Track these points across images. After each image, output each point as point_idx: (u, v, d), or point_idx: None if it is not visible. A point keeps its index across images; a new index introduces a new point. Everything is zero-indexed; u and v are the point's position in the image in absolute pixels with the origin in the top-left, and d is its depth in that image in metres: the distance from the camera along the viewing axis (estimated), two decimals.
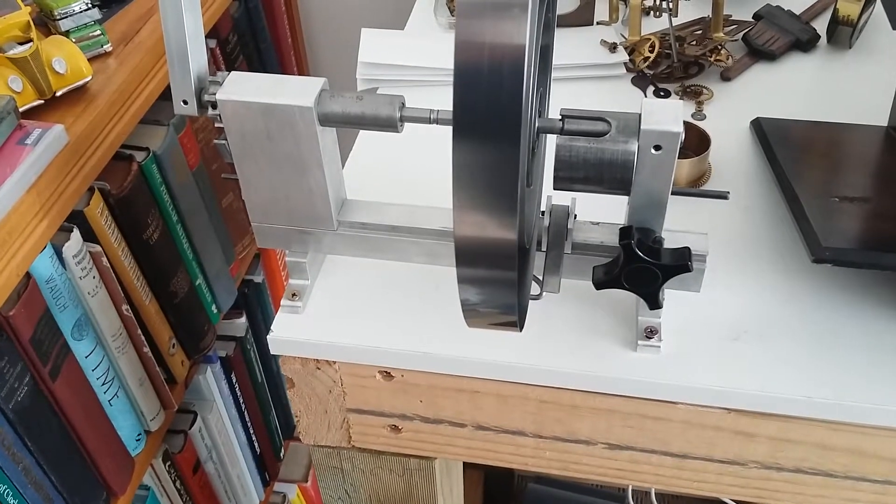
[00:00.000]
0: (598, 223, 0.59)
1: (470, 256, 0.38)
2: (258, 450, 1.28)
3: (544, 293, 0.57)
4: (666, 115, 0.51)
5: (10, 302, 0.69)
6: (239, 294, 1.13)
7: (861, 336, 0.58)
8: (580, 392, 0.59)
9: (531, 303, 0.56)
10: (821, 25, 0.87)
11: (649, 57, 0.83)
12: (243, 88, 0.55)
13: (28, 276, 0.71)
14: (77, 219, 0.77)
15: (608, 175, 0.52)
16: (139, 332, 0.88)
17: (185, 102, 0.56)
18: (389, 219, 0.61)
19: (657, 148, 0.51)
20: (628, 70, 0.85)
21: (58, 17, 0.79)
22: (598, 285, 0.55)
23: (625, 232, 0.54)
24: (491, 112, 0.32)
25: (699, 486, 0.65)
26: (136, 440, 0.91)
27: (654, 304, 0.56)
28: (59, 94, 0.75)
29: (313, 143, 0.55)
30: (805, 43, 0.85)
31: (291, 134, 0.55)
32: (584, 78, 0.84)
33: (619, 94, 0.82)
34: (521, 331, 0.48)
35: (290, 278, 0.63)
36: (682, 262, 0.53)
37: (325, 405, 0.66)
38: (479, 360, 0.59)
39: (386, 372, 0.62)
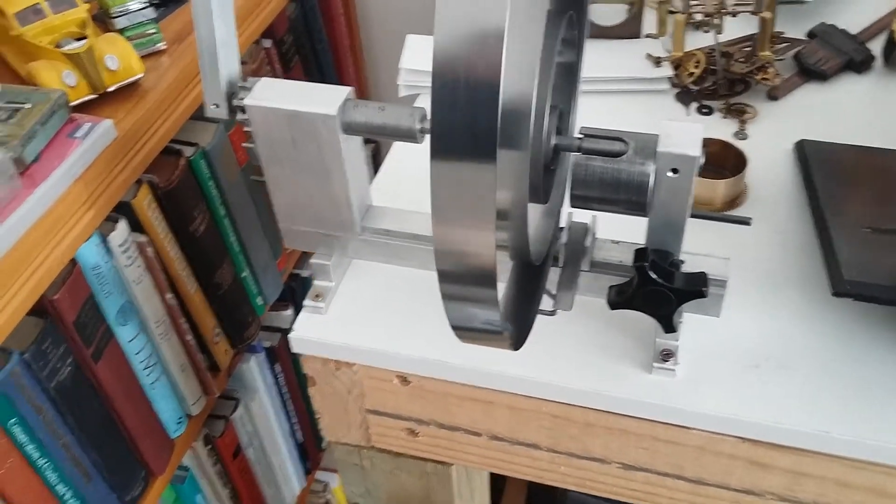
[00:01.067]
0: (618, 242, 0.59)
1: (450, 274, 0.38)
2: (301, 438, 1.31)
3: (558, 311, 0.57)
4: (684, 138, 0.50)
5: (55, 286, 0.72)
6: (286, 287, 1.16)
7: (886, 374, 0.57)
8: (593, 410, 0.59)
9: (548, 318, 0.57)
10: (877, 46, 0.84)
11: (694, 73, 0.82)
12: (271, 95, 0.56)
13: (74, 262, 0.74)
14: (124, 210, 0.80)
15: (624, 196, 0.51)
16: (182, 320, 0.91)
17: (217, 106, 0.58)
18: (412, 227, 0.62)
19: (674, 171, 0.50)
20: (673, 85, 0.84)
21: (114, 15, 0.83)
22: (612, 305, 0.55)
23: (640, 253, 0.53)
24: (467, 138, 0.33)
25: None
26: (177, 423, 0.95)
27: (669, 327, 0.55)
28: (111, 89, 0.78)
29: (336, 151, 0.56)
30: (859, 64, 0.82)
31: (315, 141, 0.56)
32: (627, 92, 0.84)
33: (660, 110, 0.81)
34: (516, 349, 0.49)
35: (315, 279, 0.65)
36: (696, 288, 0.52)
37: (344, 404, 0.68)
38: (492, 371, 0.60)
39: (403, 377, 0.63)
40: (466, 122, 0.32)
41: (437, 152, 0.33)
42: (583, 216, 0.58)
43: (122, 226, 0.79)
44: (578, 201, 0.53)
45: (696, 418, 0.57)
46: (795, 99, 0.82)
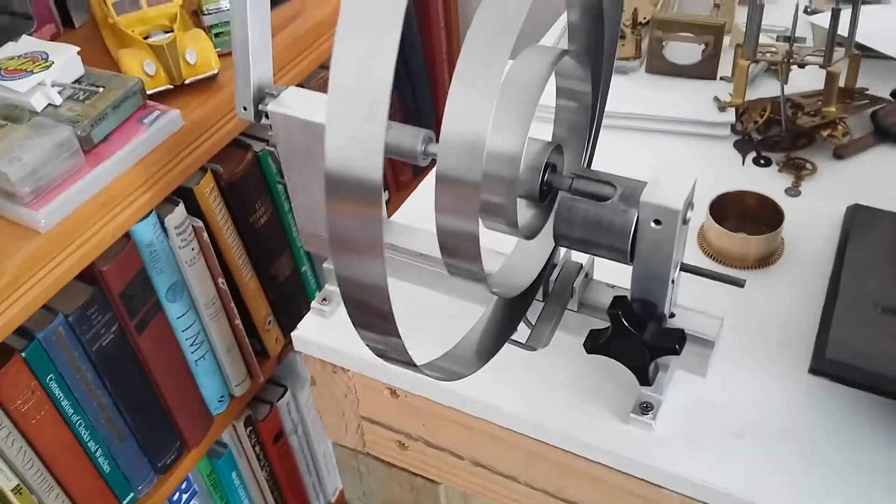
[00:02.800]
0: (613, 286, 0.58)
1: (352, 303, 0.39)
2: None
3: (541, 348, 0.56)
4: (673, 189, 0.49)
5: (106, 258, 0.78)
6: None
7: (871, 465, 0.53)
8: (567, 452, 0.58)
9: (539, 353, 0.57)
10: None
11: (758, 121, 0.79)
12: (292, 104, 0.59)
13: (128, 238, 0.80)
14: (186, 195, 0.85)
15: (605, 241, 0.51)
16: (233, 305, 0.96)
17: (245, 109, 0.61)
18: (417, 245, 0.63)
19: (657, 222, 0.49)
20: (734, 132, 0.81)
21: (206, 13, 0.88)
22: (588, 349, 0.54)
23: (617, 301, 0.53)
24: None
25: None
26: (219, 401, 1.00)
27: (644, 379, 0.54)
28: (188, 81, 0.84)
29: None
30: None
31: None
32: (685, 134, 0.81)
33: (715, 156, 0.79)
34: (448, 379, 0.49)
35: (326, 283, 0.67)
36: (669, 344, 0.51)
37: (342, 408, 0.70)
38: (472, 397, 0.60)
39: (392, 390, 0.65)
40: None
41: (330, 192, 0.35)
42: (582, 256, 0.58)
43: (180, 209, 0.84)
44: (561, 240, 0.53)
45: (666, 477, 0.55)
46: (863, 161, 0.77)
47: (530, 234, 0.54)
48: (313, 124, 0.58)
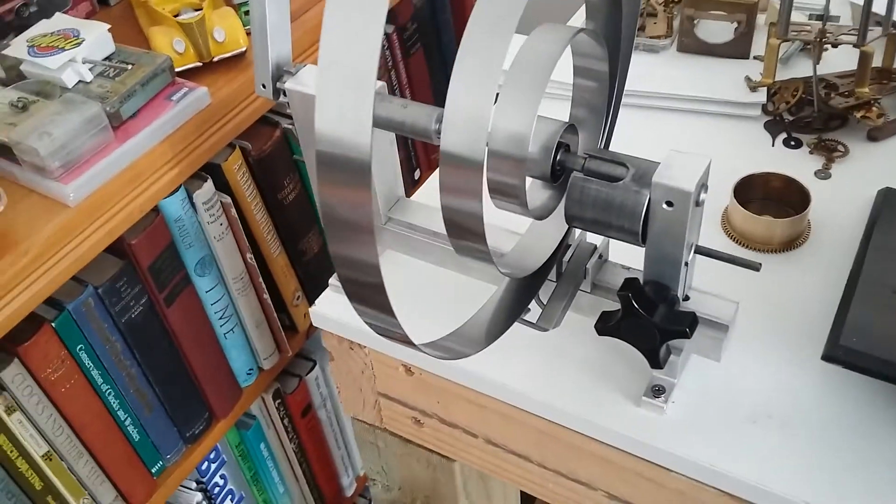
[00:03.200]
0: (628, 268, 0.57)
1: (347, 280, 0.40)
2: None
3: (551, 329, 0.56)
4: (686, 170, 0.48)
5: (135, 232, 0.79)
6: None
7: (885, 454, 0.52)
8: (577, 433, 0.58)
9: (551, 333, 0.56)
10: None
11: (790, 102, 0.77)
12: (310, 81, 0.59)
13: (157, 213, 0.82)
14: (215, 171, 0.87)
15: (616, 221, 0.50)
16: (261, 279, 0.97)
17: (264, 86, 0.61)
18: (435, 224, 0.63)
19: (669, 204, 0.48)
20: (765, 112, 0.79)
21: None
22: (599, 331, 0.54)
23: (628, 283, 0.52)
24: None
25: None
26: (248, 374, 1.01)
27: (654, 362, 0.53)
28: (216, 59, 0.85)
29: None
30: None
31: None
32: (715, 114, 0.80)
33: (744, 137, 0.77)
34: (453, 358, 0.49)
35: None
36: (680, 327, 0.50)
37: (359, 384, 0.70)
38: (484, 376, 0.60)
39: (407, 367, 0.65)
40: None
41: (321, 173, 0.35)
42: (597, 238, 0.57)
43: (208, 185, 0.86)
44: (572, 220, 0.52)
45: (676, 461, 0.55)
46: None
47: (542, 214, 0.54)
48: None
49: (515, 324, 0.56)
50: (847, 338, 0.49)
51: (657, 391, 0.56)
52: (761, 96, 0.79)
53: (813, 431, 0.54)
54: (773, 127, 0.78)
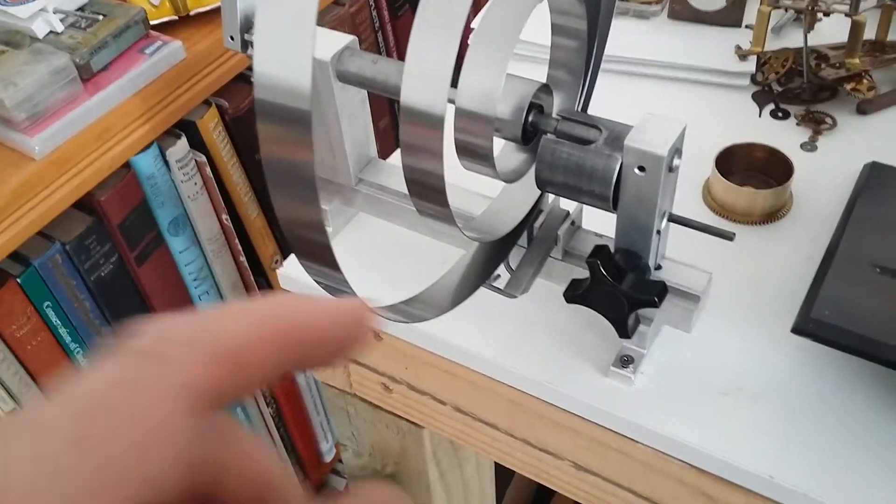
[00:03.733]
0: (601, 235, 0.56)
1: (291, 236, 0.38)
2: None
3: (519, 295, 0.55)
4: (660, 134, 0.47)
5: (104, 188, 0.78)
6: None
7: (860, 433, 0.51)
8: (544, 402, 0.57)
9: (521, 301, 0.55)
10: None
11: (779, 72, 0.75)
12: None
13: (128, 169, 0.80)
14: (189, 128, 0.85)
15: (587, 186, 0.49)
16: (237, 241, 0.95)
17: (232, 38, 0.59)
18: (405, 186, 0.61)
19: (641, 169, 0.47)
20: (754, 82, 0.77)
21: None
22: (567, 299, 0.53)
23: (597, 250, 0.51)
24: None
25: None
26: None
27: (622, 332, 0.52)
28: (192, 13, 0.82)
29: (331, 98, 0.57)
30: None
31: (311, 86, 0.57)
32: (703, 83, 0.78)
33: (731, 107, 0.75)
34: (413, 321, 0.47)
35: None
36: (647, 297, 0.49)
37: None
38: (453, 344, 0.59)
39: (375, 332, 0.64)
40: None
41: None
42: (571, 203, 0.56)
43: (182, 143, 0.84)
44: (543, 185, 0.51)
45: (643, 432, 0.54)
46: (887, 117, 0.73)
47: (514, 177, 0.52)
48: None
49: (487, 292, 0.55)
50: (819, 311, 0.47)
51: (626, 361, 0.55)
52: (750, 66, 0.77)
53: (784, 406, 0.52)
54: (760, 97, 0.76)
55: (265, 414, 1.15)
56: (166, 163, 0.83)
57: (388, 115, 1.13)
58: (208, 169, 0.88)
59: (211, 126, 0.86)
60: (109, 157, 0.76)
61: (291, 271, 0.65)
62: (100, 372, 0.19)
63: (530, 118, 0.50)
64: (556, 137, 0.49)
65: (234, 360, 0.19)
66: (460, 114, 0.46)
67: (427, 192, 0.44)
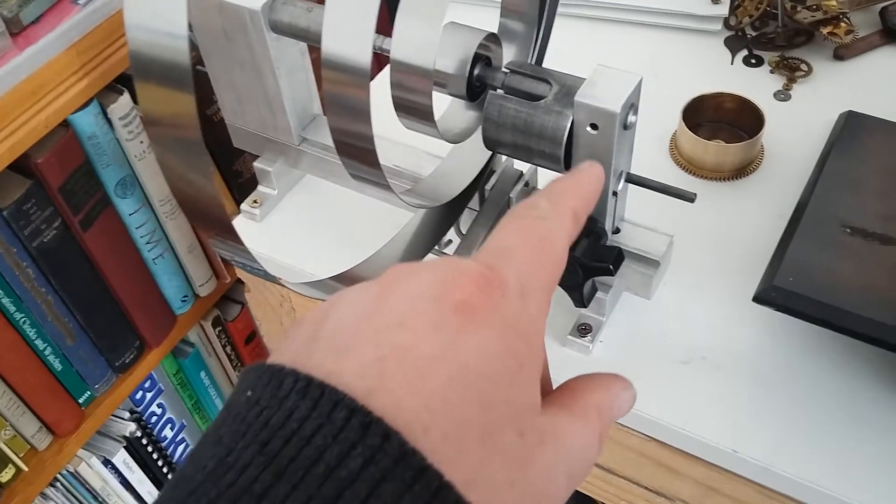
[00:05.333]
0: None
1: (187, 209, 0.34)
2: None
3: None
4: (613, 89, 0.43)
5: (41, 149, 0.73)
6: None
7: (823, 404, 0.48)
8: None
9: None
10: None
11: (753, 15, 0.71)
12: None
13: (68, 128, 0.75)
14: (132, 84, 0.80)
15: (536, 146, 0.45)
16: None
17: None
18: None
19: (593, 127, 0.43)
20: (727, 27, 0.73)
21: None
22: None
23: None
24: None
25: None
26: (182, 301, 0.97)
27: (577, 300, 0.49)
28: None
29: (265, 50, 0.53)
30: None
31: (244, 37, 0.53)
32: (673, 28, 0.74)
33: (702, 54, 0.71)
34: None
35: (259, 185, 0.62)
36: (601, 264, 0.46)
37: (279, 316, 0.66)
38: None
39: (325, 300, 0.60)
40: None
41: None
42: (525, 164, 0.52)
43: (125, 99, 0.79)
44: (490, 144, 0.47)
45: None
46: (866, 62, 0.69)
47: (461, 137, 0.49)
48: (227, 5, 0.51)
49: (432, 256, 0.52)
50: (782, 278, 0.44)
51: (584, 330, 0.52)
52: (723, 9, 0.73)
53: (748, 375, 0.50)
54: (733, 43, 0.72)
55: (232, 377, 1.12)
56: (108, 121, 0.79)
57: None
58: None
59: None
60: (45, 115, 0.71)
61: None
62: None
63: (476, 71, 0.46)
64: (503, 93, 0.46)
65: (576, 219, 0.28)
66: (396, 66, 0.42)
67: (356, 153, 0.40)
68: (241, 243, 0.35)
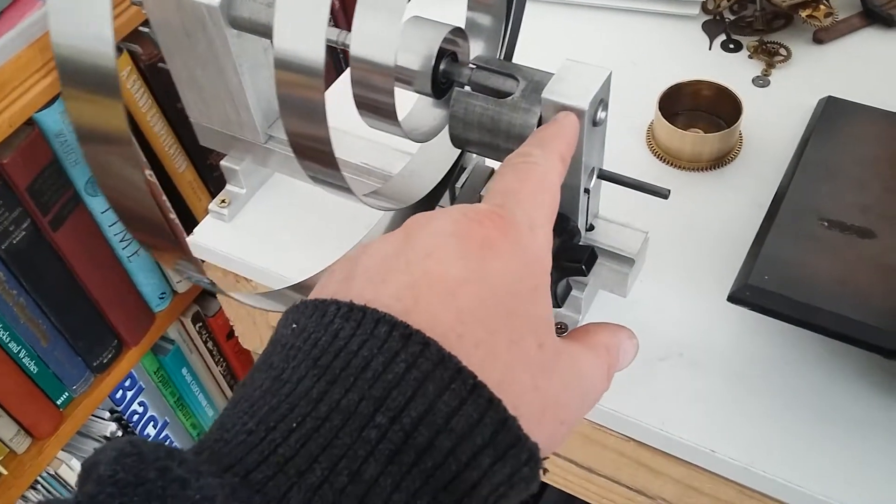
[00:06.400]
0: None
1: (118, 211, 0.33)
2: None
3: None
4: (581, 83, 0.41)
5: (7, 149, 0.71)
6: None
7: (801, 403, 0.47)
8: None
9: None
10: None
11: None
12: None
13: (34, 127, 0.73)
14: None
15: (504, 144, 0.44)
16: (164, 197, 0.89)
17: None
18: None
19: None
20: (705, 11, 0.71)
21: None
22: None
23: None
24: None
25: None
26: (160, 298, 0.95)
27: (552, 301, 0.48)
28: None
29: (226, 47, 0.51)
30: None
31: (204, 34, 0.51)
32: (650, 13, 0.72)
33: (679, 39, 0.70)
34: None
35: (227, 184, 0.61)
36: (574, 264, 0.44)
37: (252, 316, 0.65)
38: None
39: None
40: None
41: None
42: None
43: None
44: (458, 142, 0.45)
45: None
46: (846, 46, 0.68)
47: (428, 136, 0.47)
48: (188, 2, 0.50)
49: None
50: (757, 276, 0.43)
51: (560, 329, 0.51)
52: None
53: (726, 373, 0.49)
54: (711, 28, 0.70)
55: (215, 373, 1.11)
56: None
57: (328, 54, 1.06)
58: None
59: (124, 74, 0.80)
60: (9, 114, 0.69)
61: (202, 239, 0.60)
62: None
63: (442, 67, 0.44)
64: (470, 90, 0.44)
65: (563, 160, 0.33)
66: (356, 62, 0.40)
67: (313, 156, 0.39)
68: (187, 255, 0.33)
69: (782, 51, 0.67)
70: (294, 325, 0.25)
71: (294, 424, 0.22)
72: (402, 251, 0.26)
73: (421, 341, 0.23)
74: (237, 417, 0.23)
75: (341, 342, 0.23)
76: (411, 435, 0.22)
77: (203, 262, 0.61)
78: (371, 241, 0.28)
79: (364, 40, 0.40)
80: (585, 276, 0.45)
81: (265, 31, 0.49)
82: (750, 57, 0.67)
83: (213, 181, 0.95)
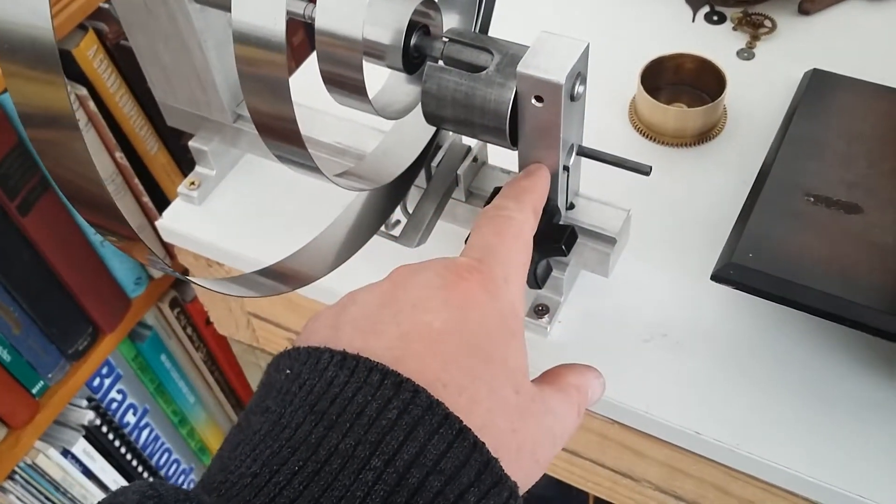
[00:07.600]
0: (509, 172, 0.49)
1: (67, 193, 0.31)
2: None
3: (413, 247, 0.48)
4: (558, 56, 0.40)
5: None
6: None
7: (787, 383, 0.46)
8: None
9: (421, 249, 0.49)
10: None
11: None
12: None
13: None
14: (65, 58, 0.75)
15: (480, 121, 0.42)
16: (137, 180, 0.87)
17: None
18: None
19: (538, 99, 0.40)
20: None
21: None
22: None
23: (497, 192, 0.44)
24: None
25: (595, 488, 0.57)
26: (136, 283, 0.93)
27: (530, 282, 0.46)
28: None
29: (188, 22, 0.49)
30: None
31: (165, 9, 0.49)
32: None
33: (662, 11, 0.68)
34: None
35: (197, 165, 0.59)
36: (553, 244, 0.43)
37: (227, 302, 0.63)
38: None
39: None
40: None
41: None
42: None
43: None
44: (432, 119, 0.44)
45: None
46: (833, 17, 0.66)
47: (401, 113, 0.45)
48: None
49: (387, 240, 0.49)
50: (741, 254, 0.42)
51: (540, 311, 0.49)
52: None
53: (711, 353, 0.48)
54: (695, 0, 0.69)
55: (195, 358, 1.09)
56: None
57: (302, 28, 1.04)
58: (92, 103, 0.79)
59: (90, 54, 0.77)
60: None
61: (172, 223, 0.58)
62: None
63: (413, 41, 0.43)
64: (443, 64, 0.42)
65: (536, 213, 0.36)
66: (321, 36, 0.39)
67: (278, 135, 0.37)
68: (127, 226, 0.32)
69: (767, 22, 0.65)
70: (288, 371, 0.26)
71: (296, 468, 0.24)
72: (390, 302, 0.29)
73: (411, 389, 0.25)
74: (240, 460, 0.25)
75: (336, 389, 0.25)
76: (404, 476, 0.24)
77: (174, 246, 0.60)
78: (357, 291, 0.30)
79: (329, 13, 0.38)
80: (566, 255, 0.43)
81: (226, 5, 0.47)
82: (734, 29, 0.66)
83: (187, 163, 0.93)
